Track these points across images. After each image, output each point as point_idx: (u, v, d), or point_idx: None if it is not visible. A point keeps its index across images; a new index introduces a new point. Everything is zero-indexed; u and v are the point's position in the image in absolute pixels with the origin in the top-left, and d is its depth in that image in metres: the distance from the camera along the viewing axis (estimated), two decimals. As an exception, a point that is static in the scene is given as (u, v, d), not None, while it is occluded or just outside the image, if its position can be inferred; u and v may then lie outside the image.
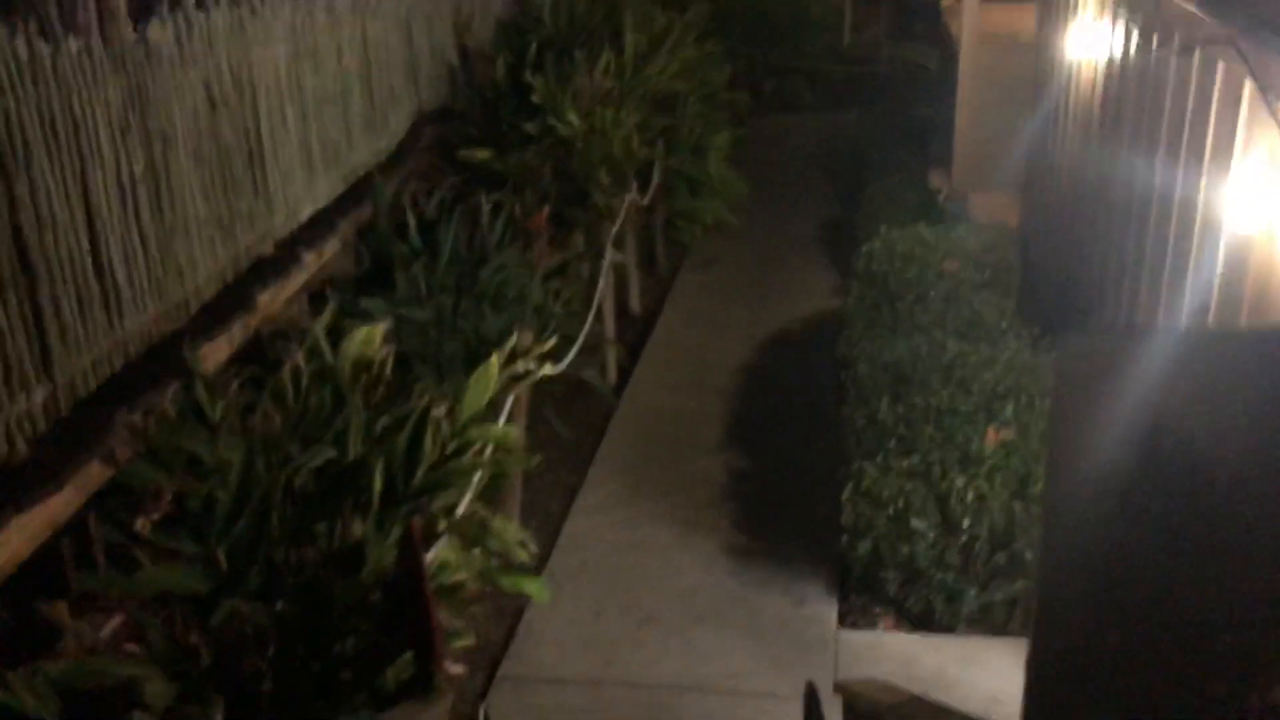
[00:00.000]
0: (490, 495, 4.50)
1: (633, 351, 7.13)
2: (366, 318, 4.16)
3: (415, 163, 6.47)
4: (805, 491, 5.27)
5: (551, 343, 3.87)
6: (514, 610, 4.52)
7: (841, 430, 5.01)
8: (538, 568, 4.72)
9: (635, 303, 7.82)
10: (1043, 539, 2.48)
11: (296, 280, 4.27)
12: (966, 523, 4.01)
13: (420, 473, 3.26)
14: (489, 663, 4.24)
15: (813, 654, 4.18)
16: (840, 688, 2.72)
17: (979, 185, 8.14)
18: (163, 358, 3.14)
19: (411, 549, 2.76)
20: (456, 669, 4.03)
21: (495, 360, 3.41)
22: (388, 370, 3.73)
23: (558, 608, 4.47)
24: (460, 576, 3.55)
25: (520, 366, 3.52)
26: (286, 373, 3.35)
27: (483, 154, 6.79)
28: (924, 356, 4.80)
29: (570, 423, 6.07)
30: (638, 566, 4.77)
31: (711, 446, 5.83)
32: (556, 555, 4.87)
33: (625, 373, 6.80)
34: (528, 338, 4.01)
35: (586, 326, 5.81)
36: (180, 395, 2.97)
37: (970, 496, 4.03)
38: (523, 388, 4.01)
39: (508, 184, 6.53)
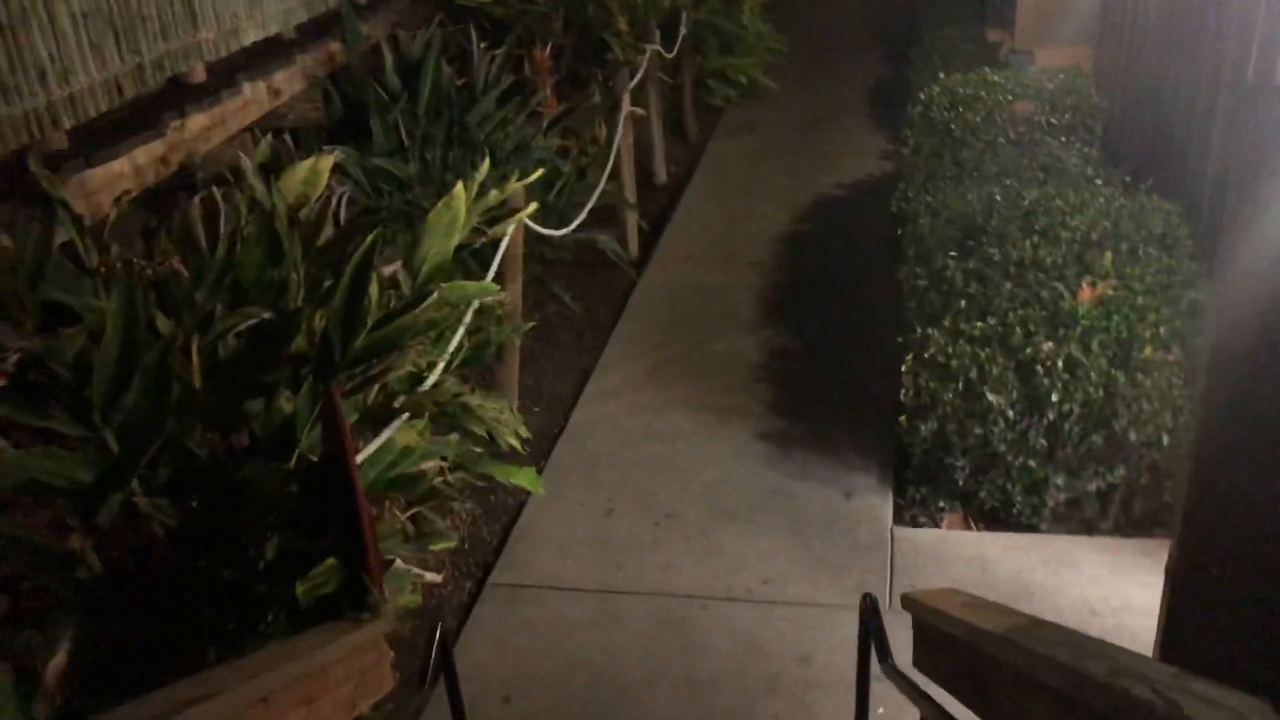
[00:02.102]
0: (476, 372, 3.82)
1: (657, 224, 6.35)
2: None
3: (405, 6, 5.67)
4: (853, 371, 4.54)
5: (537, 173, 3.10)
6: (512, 508, 3.85)
7: (899, 295, 4.24)
8: (539, 457, 4.04)
9: (661, 171, 7.02)
10: (1205, 390, 1.76)
11: (238, 115, 3.54)
12: (1055, 397, 3.26)
13: (363, 333, 2.56)
14: (479, 568, 3.58)
15: (864, 556, 3.48)
16: (909, 602, 2.01)
17: (1045, 39, 7.32)
18: (17, 179, 2.42)
19: (334, 421, 2.06)
20: (433, 576, 3.38)
21: (461, 190, 2.67)
22: (337, 211, 3.02)
23: (562, 504, 3.80)
24: (427, 465, 2.88)
25: (495, 199, 2.77)
26: (195, 209, 2.64)
27: (483, -4, 5.98)
28: (999, 205, 3.99)
29: (585, 298, 5.36)
30: (657, 457, 4.07)
31: (745, 323, 5.09)
32: (563, 444, 4.18)
33: (649, 247, 6.03)
34: (512, 178, 3.26)
35: (600, 186, 5.05)
36: (38, 229, 2.27)
37: (1060, 365, 3.27)
38: (510, 236, 3.27)
39: (512, 35, 5.74)
